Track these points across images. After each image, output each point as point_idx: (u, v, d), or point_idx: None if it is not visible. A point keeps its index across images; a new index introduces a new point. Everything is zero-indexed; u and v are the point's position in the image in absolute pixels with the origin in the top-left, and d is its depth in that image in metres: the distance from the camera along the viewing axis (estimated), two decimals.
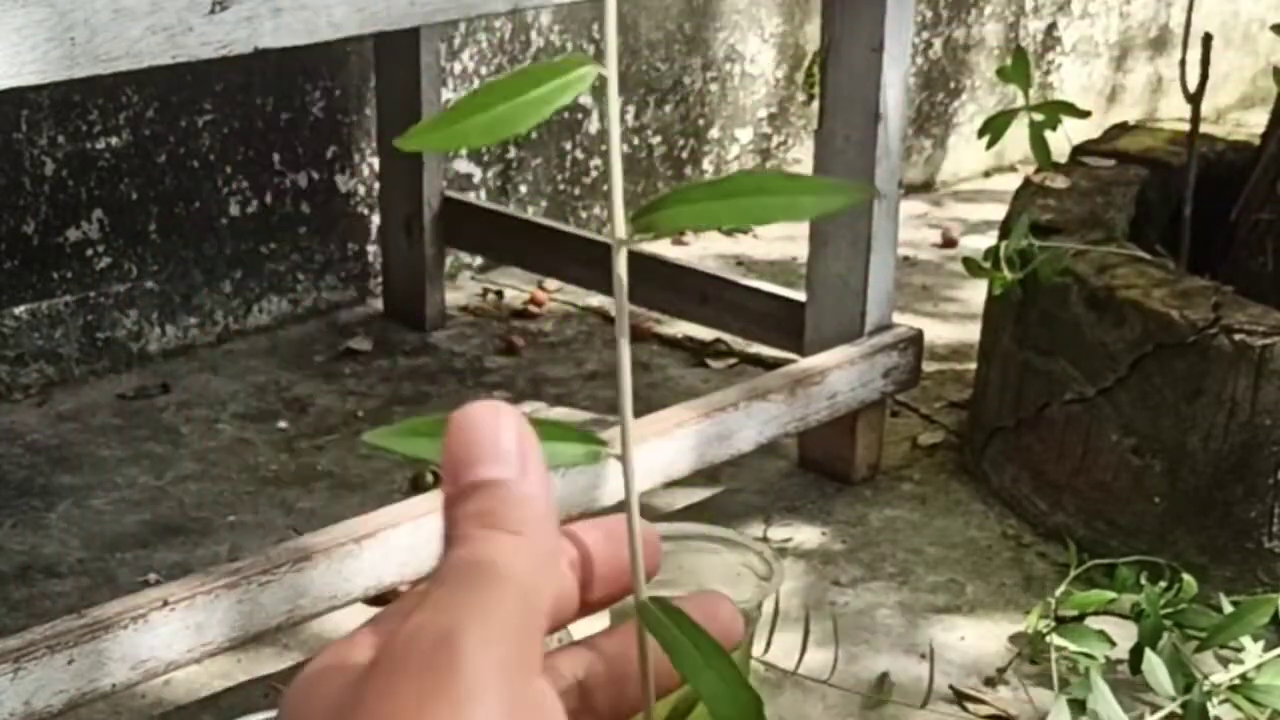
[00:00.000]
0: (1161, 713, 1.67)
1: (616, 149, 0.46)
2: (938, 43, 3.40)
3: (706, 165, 3.11)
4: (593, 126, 2.93)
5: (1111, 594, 1.87)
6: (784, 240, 3.07)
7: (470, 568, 0.41)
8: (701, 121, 3.08)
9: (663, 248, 2.94)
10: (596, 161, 2.95)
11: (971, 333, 2.47)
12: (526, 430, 0.44)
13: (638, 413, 2.18)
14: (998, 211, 2.46)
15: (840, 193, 0.45)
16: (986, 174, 3.55)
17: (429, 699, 0.38)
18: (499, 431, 0.44)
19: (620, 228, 0.46)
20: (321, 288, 2.66)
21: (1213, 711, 1.66)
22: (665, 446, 1.89)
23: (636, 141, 3.00)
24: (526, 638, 0.40)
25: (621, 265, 0.45)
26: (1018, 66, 2.09)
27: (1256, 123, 2.59)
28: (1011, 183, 2.79)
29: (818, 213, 0.45)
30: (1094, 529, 2.03)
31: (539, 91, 0.46)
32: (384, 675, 0.39)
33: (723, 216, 0.46)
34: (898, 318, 2.19)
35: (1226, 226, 2.29)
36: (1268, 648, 1.76)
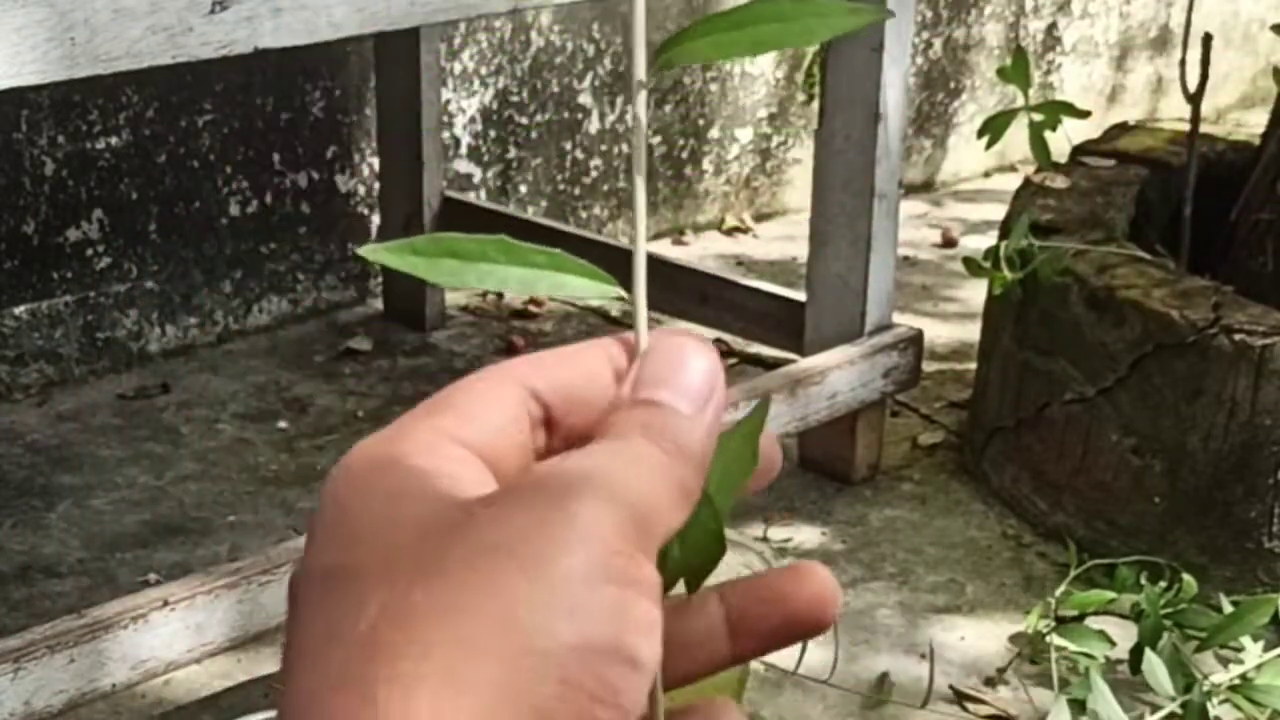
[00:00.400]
0: (1161, 713, 1.67)
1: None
2: (938, 43, 3.40)
3: (706, 165, 3.11)
4: (593, 127, 2.93)
5: (1111, 594, 1.87)
6: (784, 240, 3.07)
7: (619, 447, 0.41)
8: (701, 121, 3.08)
9: (663, 248, 2.95)
10: (596, 161, 2.95)
11: (971, 333, 2.47)
12: (721, 380, 0.44)
13: None
14: (998, 211, 2.46)
15: (851, 14, 0.44)
16: (986, 174, 3.55)
17: (532, 536, 0.38)
18: (697, 367, 0.44)
19: (641, 69, 0.45)
20: (321, 288, 2.66)
21: (1213, 711, 1.66)
22: None
23: None
24: (646, 531, 0.40)
25: (641, 105, 0.45)
26: (1018, 66, 2.09)
27: (1256, 123, 2.59)
28: (1011, 183, 2.79)
29: (827, 35, 0.45)
30: (1094, 529, 2.03)
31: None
32: (502, 503, 0.39)
33: (741, 46, 0.46)
34: (898, 318, 2.19)
35: (1226, 226, 2.29)
36: (1268, 648, 1.76)
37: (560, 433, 0.44)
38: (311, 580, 0.40)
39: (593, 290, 0.45)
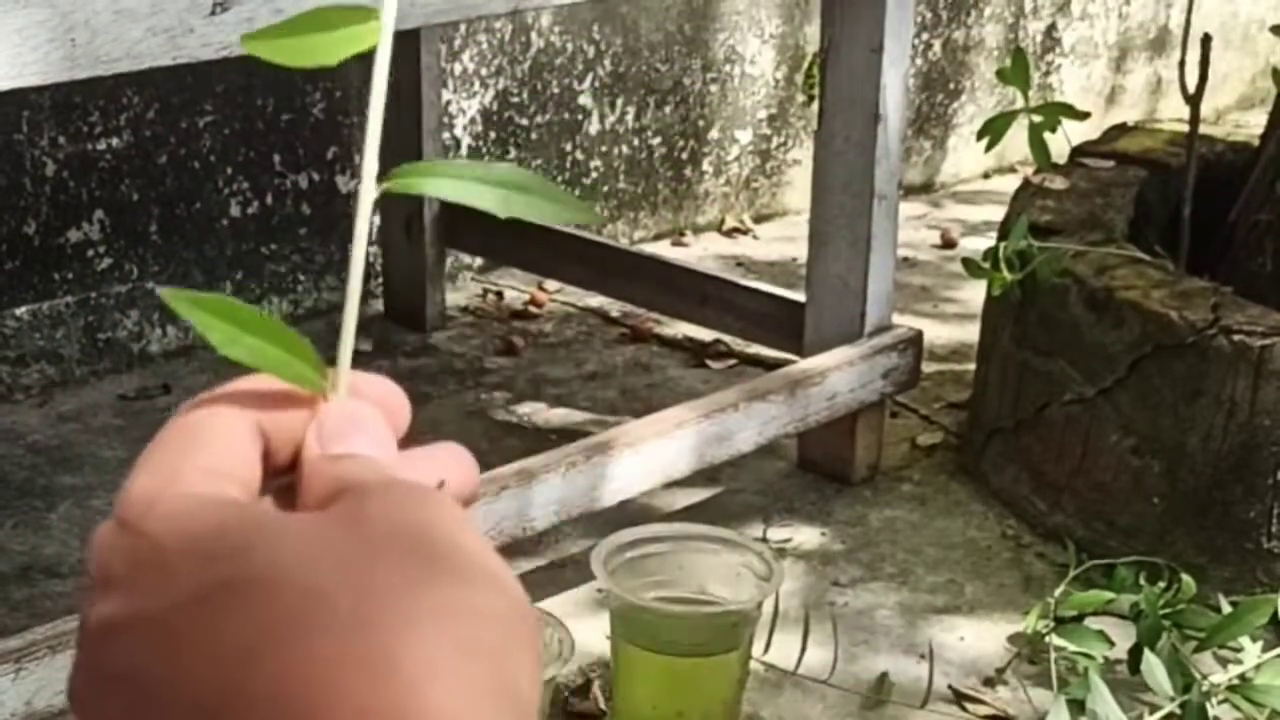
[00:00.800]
0: (1160, 713, 1.68)
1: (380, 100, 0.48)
2: (937, 44, 3.40)
3: (706, 166, 3.11)
4: (592, 127, 2.94)
5: (1110, 594, 1.88)
6: (783, 241, 3.07)
7: (389, 480, 0.44)
8: (701, 123, 3.09)
9: (663, 249, 2.95)
10: (596, 162, 2.96)
11: (971, 333, 2.48)
12: (390, 437, 0.48)
13: (638, 413, 2.18)
14: (997, 212, 2.46)
15: (575, 209, 0.50)
16: (986, 175, 3.55)
17: (431, 521, 0.42)
18: (372, 421, 0.48)
19: (370, 181, 0.49)
20: (322, 289, 2.67)
21: (1211, 711, 1.67)
22: (665, 446, 1.89)
23: (636, 142, 3.01)
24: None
25: (365, 208, 0.49)
26: (1017, 68, 2.09)
27: (1256, 123, 2.59)
28: (1011, 184, 2.79)
29: (555, 220, 0.49)
30: (1093, 529, 2.03)
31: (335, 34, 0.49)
32: (379, 504, 0.42)
33: (483, 199, 0.51)
34: (897, 318, 2.19)
35: (1226, 227, 2.30)
36: (1266, 648, 1.76)
37: (273, 462, 0.46)
38: (203, 600, 0.40)
39: (289, 375, 0.48)
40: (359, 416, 0.47)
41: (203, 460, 0.44)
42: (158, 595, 0.41)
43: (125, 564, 0.42)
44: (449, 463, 0.47)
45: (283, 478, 0.46)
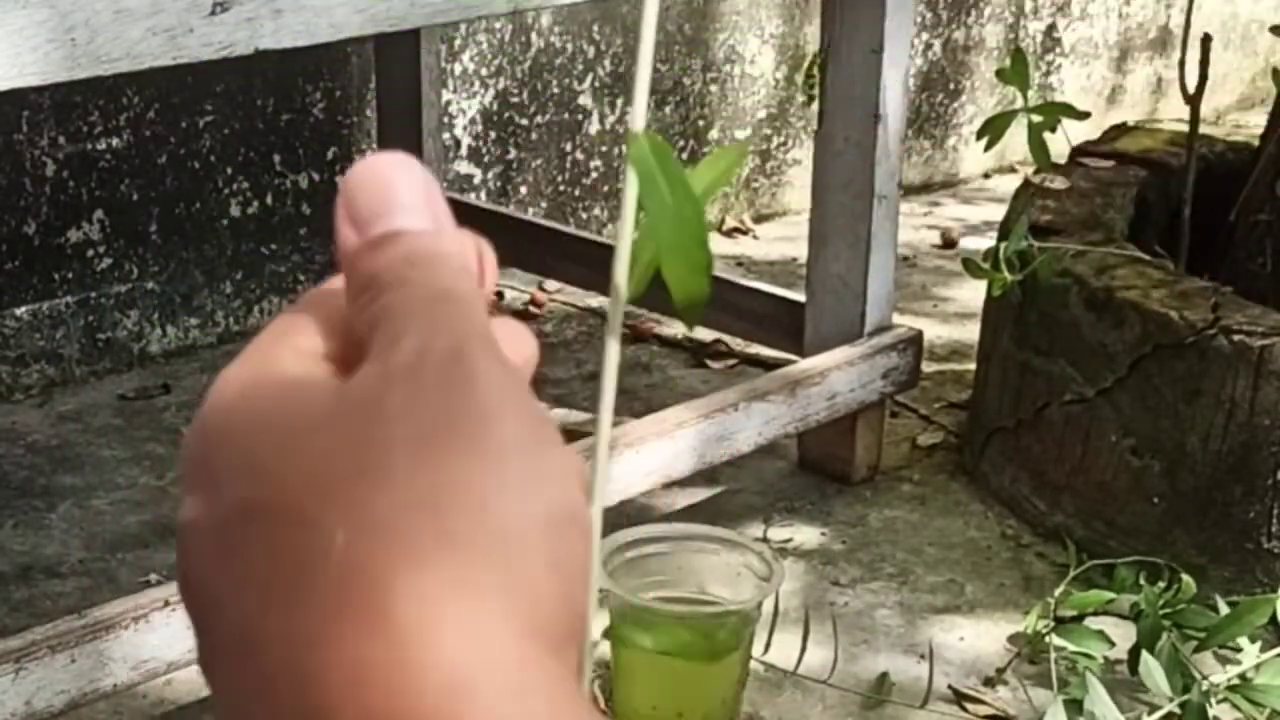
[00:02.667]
0: (1160, 713, 1.68)
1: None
2: (937, 44, 3.40)
3: None
4: (593, 127, 2.93)
5: (1110, 594, 1.88)
6: (784, 241, 3.07)
7: (434, 294, 0.40)
8: (701, 123, 3.09)
9: None
10: (596, 162, 2.96)
11: (971, 333, 2.48)
12: (434, 183, 0.42)
13: (638, 413, 2.18)
14: (997, 212, 2.46)
15: None
16: (986, 175, 3.55)
17: (456, 414, 0.37)
18: (406, 183, 0.43)
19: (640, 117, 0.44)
20: None
21: (1211, 711, 1.67)
22: (665, 446, 1.89)
23: None
24: (502, 355, 0.39)
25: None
26: (1016, 68, 2.09)
27: (1256, 123, 2.59)
28: (1011, 183, 2.79)
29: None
30: (1093, 529, 2.03)
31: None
32: (401, 395, 0.37)
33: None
34: (897, 318, 2.19)
35: (1226, 227, 2.30)
36: (1266, 648, 1.76)
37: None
38: (226, 521, 0.37)
39: None
40: (393, 178, 0.42)
41: (296, 339, 0.41)
42: (204, 506, 0.38)
43: (188, 461, 0.40)
44: (508, 337, 0.42)
45: None
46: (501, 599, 0.35)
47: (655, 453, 1.88)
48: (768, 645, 1.79)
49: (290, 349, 0.41)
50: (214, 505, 0.38)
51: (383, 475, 0.36)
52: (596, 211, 2.99)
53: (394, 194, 0.42)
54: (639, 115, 0.42)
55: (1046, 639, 1.82)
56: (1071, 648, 1.80)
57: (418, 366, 0.38)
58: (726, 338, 2.54)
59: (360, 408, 0.37)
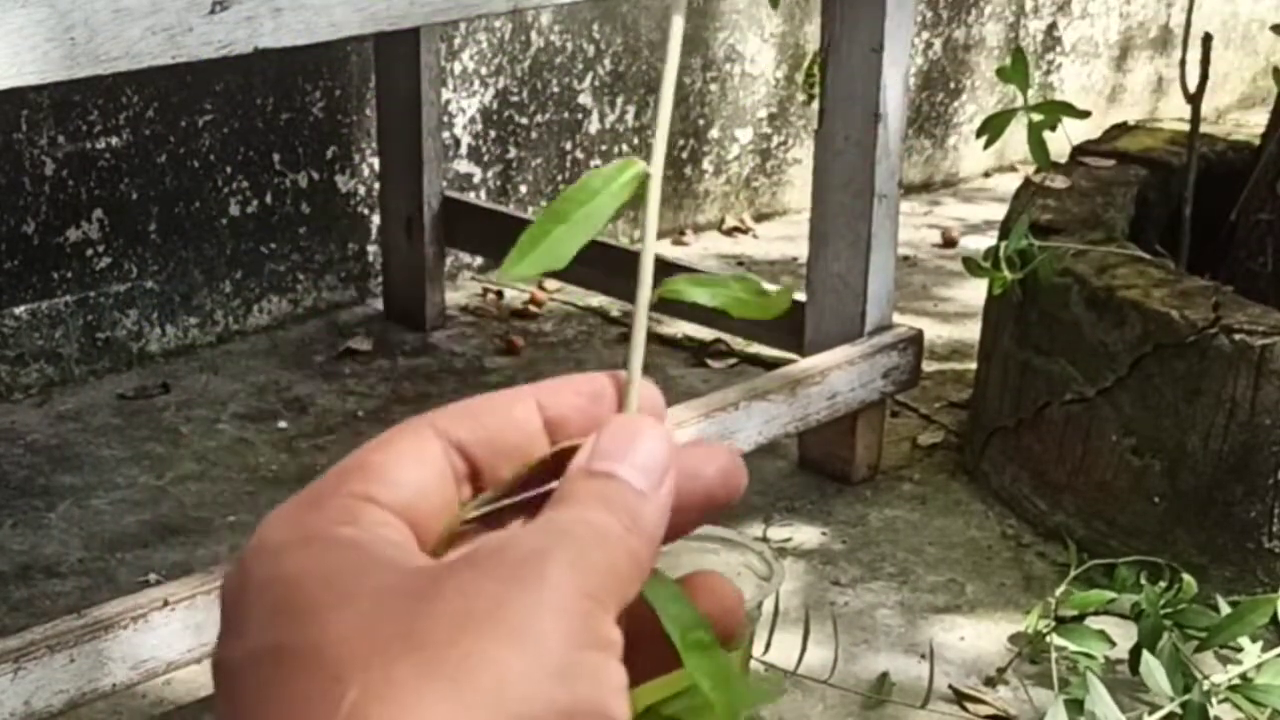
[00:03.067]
0: (1161, 713, 1.67)
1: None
2: (938, 43, 3.40)
3: (706, 165, 3.11)
4: (592, 126, 2.93)
5: (1111, 594, 1.88)
6: (784, 240, 3.07)
7: (577, 515, 0.41)
8: (702, 122, 3.08)
9: (663, 248, 2.94)
10: (597, 162, 2.95)
11: (971, 333, 2.47)
12: (672, 461, 0.43)
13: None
14: (998, 211, 2.46)
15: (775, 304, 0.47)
16: (986, 174, 3.55)
17: (507, 602, 0.38)
18: (652, 446, 0.43)
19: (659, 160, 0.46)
20: (321, 288, 2.66)
21: (1212, 711, 1.66)
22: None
23: (636, 141, 3.00)
24: (609, 595, 0.40)
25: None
26: (1016, 67, 2.09)
27: (1256, 123, 2.59)
28: (1011, 183, 2.79)
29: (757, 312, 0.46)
30: (1094, 529, 2.03)
31: (594, 204, 0.47)
32: (468, 571, 0.38)
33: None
34: (897, 318, 2.19)
35: (1226, 226, 2.29)
36: (1267, 648, 1.76)
37: (487, 483, 0.43)
38: (258, 661, 0.38)
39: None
40: (643, 435, 0.43)
41: (354, 484, 0.41)
42: (237, 644, 0.39)
43: (228, 599, 0.40)
44: (713, 459, 0.44)
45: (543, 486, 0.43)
46: None
47: None
48: (768, 645, 1.79)
49: (347, 497, 0.41)
50: (246, 644, 0.39)
51: (416, 643, 0.37)
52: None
53: (634, 449, 0.43)
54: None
55: (1047, 639, 1.81)
56: (1072, 647, 1.80)
57: (491, 558, 0.39)
58: (726, 337, 2.54)
59: (424, 579, 0.38)
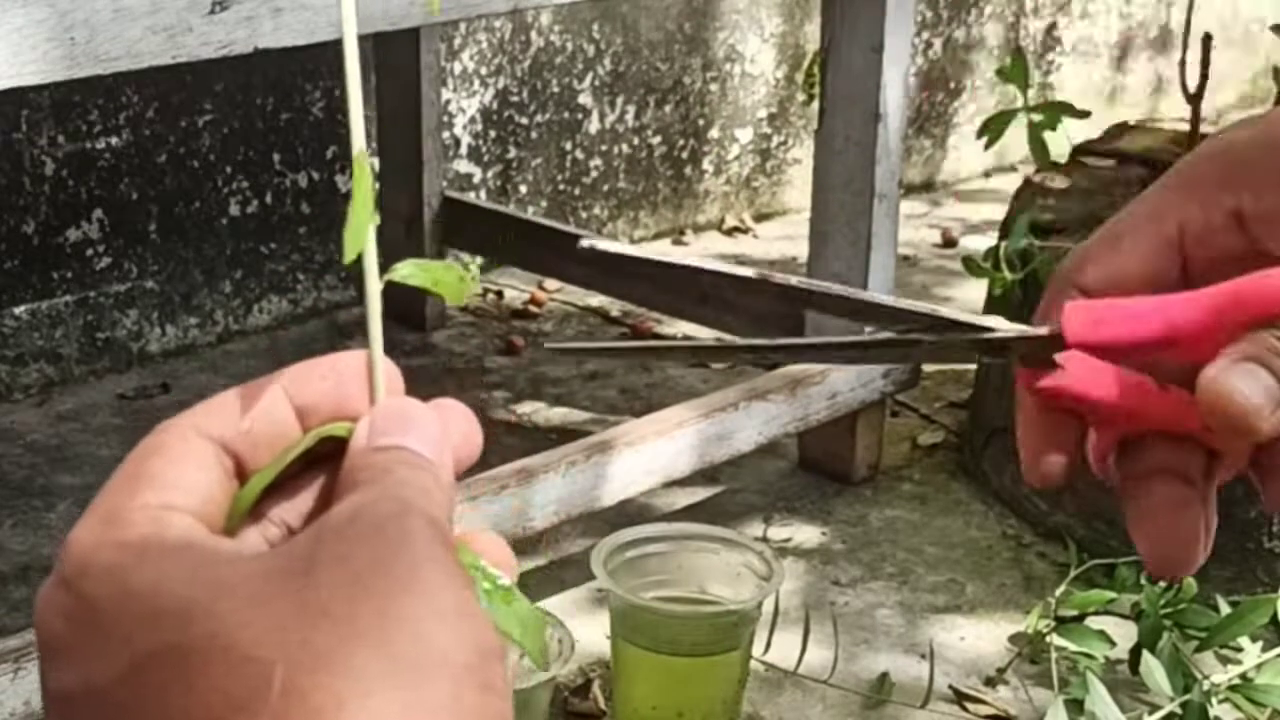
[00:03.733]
0: (1161, 713, 1.67)
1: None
2: (938, 43, 3.40)
3: (706, 165, 3.11)
4: (593, 127, 2.93)
5: (1111, 594, 1.87)
6: (784, 240, 3.07)
7: (399, 480, 0.42)
8: (701, 121, 3.08)
9: (663, 248, 2.94)
10: (596, 161, 2.95)
11: None
12: (447, 436, 0.45)
13: (638, 412, 2.18)
14: (998, 211, 2.46)
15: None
16: (986, 174, 3.55)
17: (387, 560, 0.38)
18: (428, 418, 0.45)
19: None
20: (321, 288, 2.66)
21: (1212, 711, 1.66)
22: (665, 446, 1.89)
23: (636, 141, 3.00)
24: (449, 543, 0.41)
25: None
26: (1016, 67, 2.09)
27: None
28: (1011, 183, 2.79)
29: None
30: (1094, 529, 2.03)
31: None
32: (333, 546, 0.39)
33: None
34: None
35: None
36: (1267, 647, 1.76)
37: (251, 476, 0.44)
38: (141, 670, 0.37)
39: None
40: (414, 413, 0.45)
41: (147, 496, 0.41)
42: (101, 665, 0.38)
43: (67, 629, 0.40)
44: (452, 421, 0.45)
45: (308, 476, 0.44)
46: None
47: (655, 452, 1.88)
48: (768, 645, 1.79)
49: (142, 510, 0.41)
50: (112, 663, 0.38)
51: (320, 613, 0.37)
52: (596, 210, 2.98)
53: (411, 424, 0.44)
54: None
55: (1047, 638, 1.81)
56: (1072, 647, 1.80)
57: (350, 522, 0.40)
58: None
59: (292, 558, 0.39)
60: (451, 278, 0.50)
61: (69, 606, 0.40)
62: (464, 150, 2.78)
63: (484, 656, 0.39)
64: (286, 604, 0.38)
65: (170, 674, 0.37)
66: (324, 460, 0.45)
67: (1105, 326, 0.53)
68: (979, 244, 2.85)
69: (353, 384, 0.46)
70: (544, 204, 2.91)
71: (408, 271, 0.50)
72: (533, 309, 2.72)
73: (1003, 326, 0.54)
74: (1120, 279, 0.54)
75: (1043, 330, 0.54)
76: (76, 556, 0.40)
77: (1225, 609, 1.79)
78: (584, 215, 2.97)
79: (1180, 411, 0.54)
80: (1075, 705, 1.63)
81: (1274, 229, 0.52)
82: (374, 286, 0.48)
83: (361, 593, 0.38)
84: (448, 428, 0.45)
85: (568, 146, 2.92)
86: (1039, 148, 2.07)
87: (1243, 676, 1.72)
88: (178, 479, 0.42)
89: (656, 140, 3.03)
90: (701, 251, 3.01)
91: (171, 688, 0.37)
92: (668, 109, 3.03)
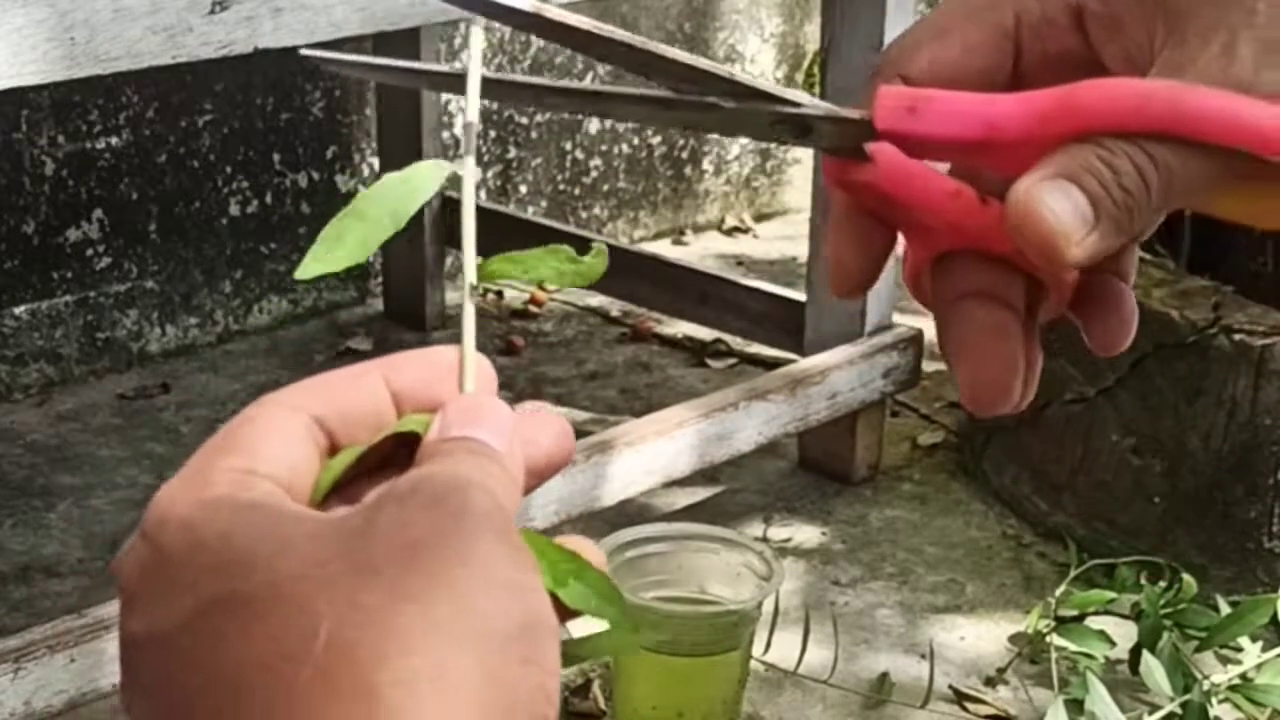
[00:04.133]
0: (1161, 713, 1.67)
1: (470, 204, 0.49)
2: None
3: (706, 165, 3.11)
4: (593, 127, 2.93)
5: (1111, 594, 1.87)
6: (784, 240, 3.07)
7: (457, 459, 0.43)
8: None
9: (663, 248, 2.95)
10: (596, 161, 2.96)
11: None
12: (517, 428, 0.46)
13: (638, 412, 2.18)
14: None
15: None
16: None
17: (445, 530, 0.40)
18: (499, 412, 0.45)
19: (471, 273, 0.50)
20: (321, 288, 2.66)
21: (1212, 711, 1.67)
22: (665, 446, 1.89)
23: (636, 141, 3.00)
24: (513, 525, 0.42)
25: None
26: None
27: None
28: None
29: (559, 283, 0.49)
30: (1094, 529, 2.03)
31: (396, 202, 0.50)
32: (391, 513, 0.40)
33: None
34: (898, 317, 2.19)
35: (1226, 226, 2.29)
36: (1267, 647, 1.76)
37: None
38: (204, 615, 0.39)
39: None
40: (486, 408, 0.45)
41: (232, 460, 0.43)
42: (167, 611, 0.40)
43: (140, 578, 0.41)
44: (542, 424, 0.46)
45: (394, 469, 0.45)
46: (481, 688, 0.38)
47: (655, 452, 1.88)
48: (768, 645, 1.79)
49: (229, 471, 0.42)
50: (177, 609, 0.39)
51: (371, 574, 0.39)
52: (596, 210, 2.98)
53: (482, 416, 0.46)
54: None
55: (1047, 639, 1.81)
56: (1072, 647, 1.80)
57: (412, 492, 0.41)
58: (726, 337, 2.54)
59: (353, 521, 0.40)
60: (553, 263, 0.49)
61: (145, 556, 0.41)
62: (463, 150, 2.78)
63: (528, 630, 0.39)
64: (342, 563, 0.39)
65: (229, 621, 0.39)
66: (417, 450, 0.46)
67: (920, 119, 0.48)
68: None
69: (445, 377, 0.47)
70: (544, 204, 2.92)
71: (496, 268, 0.50)
72: (532, 309, 2.72)
73: (809, 103, 0.49)
74: (947, 70, 0.50)
75: (853, 114, 0.49)
76: (158, 511, 0.42)
77: (1225, 609, 1.79)
78: (584, 215, 2.97)
79: (1001, 229, 0.48)
80: (1075, 705, 1.63)
81: (1112, 34, 0.49)
82: (470, 277, 0.50)
83: (414, 557, 0.39)
84: (523, 426, 0.46)
85: (568, 146, 2.92)
86: None
87: (1243, 676, 1.72)
88: (264, 448, 0.43)
89: (656, 140, 3.03)
90: (701, 251, 3.01)
91: (229, 634, 0.38)
92: None
